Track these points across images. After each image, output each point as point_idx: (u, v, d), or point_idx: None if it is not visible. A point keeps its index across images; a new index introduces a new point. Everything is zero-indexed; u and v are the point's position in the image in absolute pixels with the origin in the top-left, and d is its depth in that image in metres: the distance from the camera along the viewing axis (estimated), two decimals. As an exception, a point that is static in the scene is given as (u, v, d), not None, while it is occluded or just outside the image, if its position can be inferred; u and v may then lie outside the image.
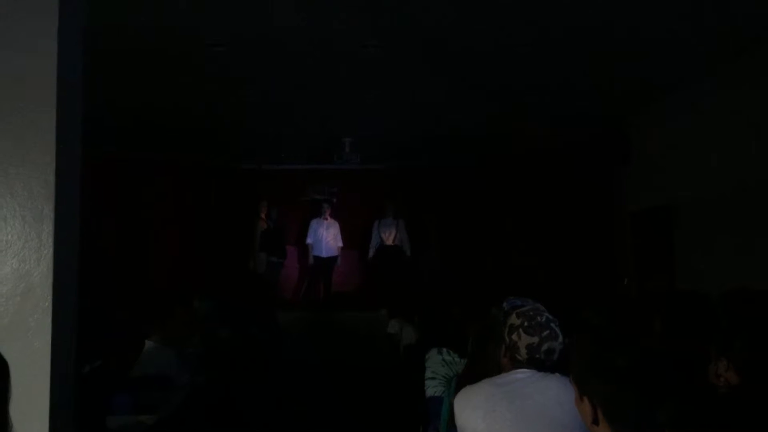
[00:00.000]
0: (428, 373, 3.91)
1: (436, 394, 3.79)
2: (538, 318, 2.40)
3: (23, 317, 2.43)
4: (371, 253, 10.77)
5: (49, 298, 2.43)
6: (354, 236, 10.97)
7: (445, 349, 3.95)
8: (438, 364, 3.89)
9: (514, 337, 2.38)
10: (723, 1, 4.82)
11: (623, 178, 8.78)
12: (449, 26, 5.30)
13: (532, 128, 8.71)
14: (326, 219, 10.67)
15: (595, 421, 1.60)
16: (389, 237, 10.60)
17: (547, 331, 2.37)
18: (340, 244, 10.81)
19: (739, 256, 6.06)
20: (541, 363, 2.35)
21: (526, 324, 2.38)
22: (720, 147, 6.44)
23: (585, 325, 3.90)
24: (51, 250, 2.45)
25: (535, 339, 2.35)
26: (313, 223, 10.69)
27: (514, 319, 2.43)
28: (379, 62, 6.03)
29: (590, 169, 9.43)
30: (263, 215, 10.52)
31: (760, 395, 2.09)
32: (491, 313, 2.77)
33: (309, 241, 10.67)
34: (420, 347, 4.88)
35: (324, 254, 10.63)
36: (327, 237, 10.62)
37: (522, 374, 2.36)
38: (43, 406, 2.39)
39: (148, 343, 4.76)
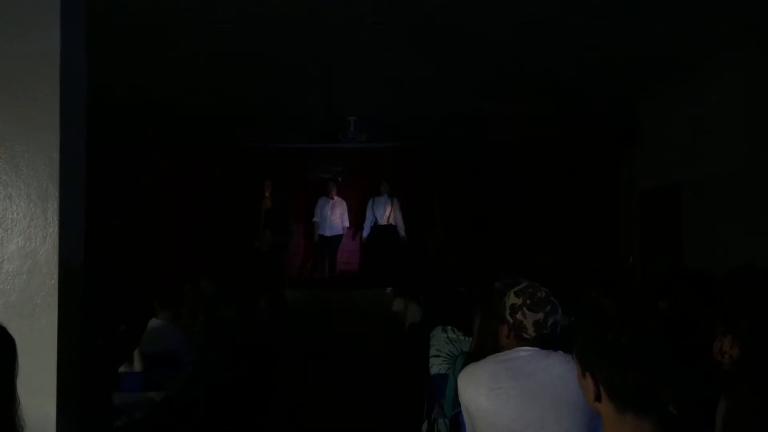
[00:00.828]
0: (432, 351, 3.93)
1: (440, 372, 3.81)
2: (539, 294, 2.41)
3: (30, 295, 2.45)
4: (366, 232, 10.78)
5: (55, 275, 2.45)
6: (360, 215, 10.97)
7: (449, 327, 3.96)
8: (442, 342, 3.91)
9: (519, 316, 2.39)
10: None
11: (633, 157, 8.75)
12: (455, 5, 5.25)
13: (540, 108, 8.66)
14: (332, 198, 10.68)
15: (598, 398, 1.60)
16: (384, 216, 10.61)
17: (549, 305, 2.39)
18: (347, 224, 10.83)
19: (746, 235, 6.05)
20: (547, 338, 2.37)
21: (528, 302, 2.39)
22: (729, 126, 6.40)
23: (589, 304, 3.92)
24: (56, 228, 2.47)
25: (540, 315, 2.37)
26: (320, 201, 10.71)
27: (514, 299, 2.43)
28: (384, 41, 5.99)
29: (599, 147, 9.40)
30: (268, 194, 10.52)
31: (762, 369, 2.10)
32: (495, 290, 2.77)
33: (315, 219, 10.69)
34: (425, 325, 4.90)
35: (328, 233, 10.65)
36: (332, 216, 10.63)
37: (525, 352, 2.37)
38: (50, 382, 2.42)
39: (154, 321, 4.80)
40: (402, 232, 10.64)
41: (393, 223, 10.62)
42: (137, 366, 4.12)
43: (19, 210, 2.47)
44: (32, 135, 2.49)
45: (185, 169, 10.84)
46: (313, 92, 7.98)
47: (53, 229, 2.46)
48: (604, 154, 9.44)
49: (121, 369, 3.97)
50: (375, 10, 5.35)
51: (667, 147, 7.72)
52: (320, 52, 6.36)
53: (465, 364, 2.67)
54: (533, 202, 10.39)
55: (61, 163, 2.49)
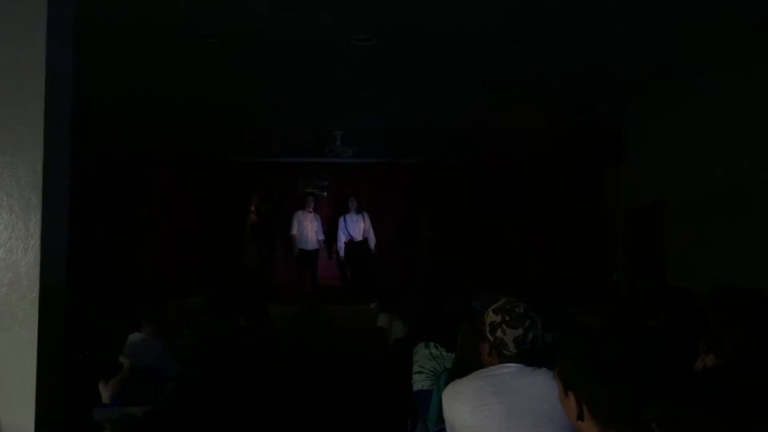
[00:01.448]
0: (415, 368, 3.91)
1: (423, 388, 3.79)
2: (517, 310, 2.40)
3: (10, 308, 2.42)
4: (341, 249, 10.80)
5: (36, 288, 2.42)
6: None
7: (432, 344, 3.95)
8: (425, 358, 3.89)
9: (499, 333, 2.38)
10: (717, 3, 4.83)
11: (617, 175, 8.81)
12: (443, 20, 5.29)
13: (526, 125, 8.71)
14: (310, 212, 10.65)
15: (580, 417, 1.59)
16: (359, 232, 10.64)
17: (528, 321, 2.38)
18: (321, 237, 10.83)
19: (730, 253, 6.09)
20: (529, 353, 2.36)
21: (507, 318, 2.38)
22: (713, 144, 6.46)
23: (572, 322, 3.92)
24: (38, 240, 2.44)
25: (520, 331, 2.36)
26: (298, 214, 10.67)
27: (492, 317, 2.42)
28: (371, 56, 6.02)
29: (584, 165, 9.45)
30: (253, 208, 10.50)
31: (739, 376, 2.11)
32: (473, 308, 2.77)
33: (293, 232, 10.66)
34: (409, 341, 4.88)
35: (308, 247, 10.63)
36: (309, 230, 10.61)
37: (509, 368, 2.36)
38: (29, 395, 2.38)
39: (136, 335, 4.75)
40: (372, 246, 10.69)
41: (366, 237, 10.65)
42: (105, 397, 3.98)
43: (0, 221, 2.45)
44: (16, 145, 2.46)
45: (171, 182, 10.80)
46: (299, 106, 7.99)
47: (35, 242, 2.44)
48: (588, 171, 9.50)
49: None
50: (363, 25, 5.38)
51: (652, 165, 7.78)
52: (307, 66, 6.37)
53: (448, 380, 2.66)
54: (519, 217, 10.44)
55: (44, 175, 2.46)
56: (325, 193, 11.25)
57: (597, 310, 4.10)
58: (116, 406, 3.92)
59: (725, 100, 6.29)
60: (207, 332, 6.09)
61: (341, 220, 10.78)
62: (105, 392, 4.02)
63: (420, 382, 3.84)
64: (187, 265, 10.19)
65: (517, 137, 9.39)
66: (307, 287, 10.57)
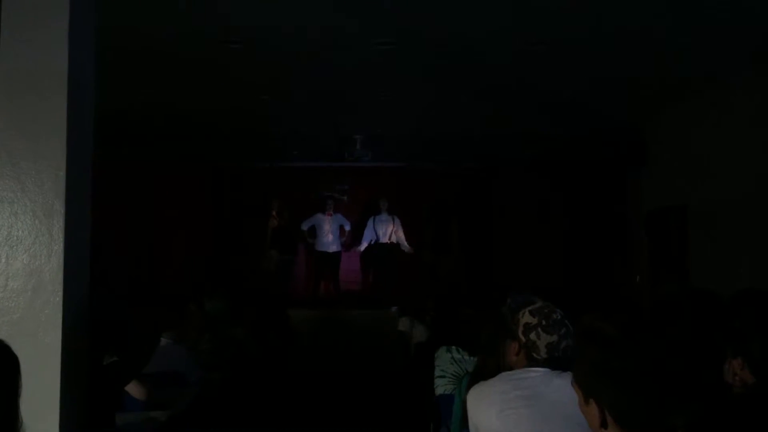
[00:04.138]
0: (437, 372, 3.90)
1: (446, 392, 3.77)
2: (554, 316, 2.38)
3: (34, 312, 2.44)
4: (363, 247, 10.72)
5: (60, 293, 2.44)
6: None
7: (454, 347, 3.93)
8: (447, 362, 3.88)
9: (533, 336, 2.36)
10: (741, 6, 4.77)
11: (640, 178, 8.73)
12: (463, 25, 5.26)
13: (546, 129, 8.66)
14: (329, 215, 10.64)
15: (604, 424, 1.56)
16: (387, 234, 10.57)
17: (564, 329, 2.36)
18: (348, 227, 10.81)
19: (753, 257, 6.01)
20: (557, 360, 2.34)
21: (544, 323, 2.36)
22: (737, 148, 6.38)
23: (593, 327, 3.87)
24: (62, 245, 2.46)
25: (555, 338, 2.34)
26: (317, 217, 10.64)
27: (529, 318, 2.40)
28: (391, 60, 6.01)
29: (606, 168, 9.39)
30: (274, 213, 10.53)
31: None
32: (502, 312, 2.75)
33: (304, 227, 10.63)
34: (431, 345, 4.86)
35: (326, 250, 10.60)
36: (329, 233, 10.58)
37: (536, 372, 2.34)
38: (53, 401, 2.40)
39: (161, 340, 4.77)
40: (407, 247, 10.56)
41: (395, 241, 10.59)
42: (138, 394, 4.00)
43: (24, 227, 2.47)
44: (39, 152, 2.49)
45: (193, 189, 10.87)
46: (319, 111, 8.01)
47: (58, 247, 2.46)
48: (611, 174, 9.43)
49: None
50: (383, 30, 5.37)
51: (674, 168, 7.70)
52: (328, 69, 6.38)
53: (470, 383, 2.64)
54: (541, 222, 10.37)
55: (67, 180, 2.49)
56: (346, 197, 11.25)
57: (614, 316, 4.05)
58: (139, 411, 3.94)
59: (749, 103, 6.21)
60: (227, 337, 6.11)
61: (370, 220, 10.69)
62: (139, 391, 4.02)
63: (442, 387, 3.82)
64: (209, 270, 10.25)
65: (538, 143, 9.34)
66: (328, 291, 10.56)
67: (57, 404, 2.39)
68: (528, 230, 10.39)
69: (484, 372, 2.66)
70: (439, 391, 3.84)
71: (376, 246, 10.60)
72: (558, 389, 2.26)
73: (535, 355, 2.36)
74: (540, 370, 2.34)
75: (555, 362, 2.34)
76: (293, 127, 8.85)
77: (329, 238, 10.57)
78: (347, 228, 10.76)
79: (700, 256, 7.10)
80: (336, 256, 10.66)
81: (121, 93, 6.76)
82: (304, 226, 10.64)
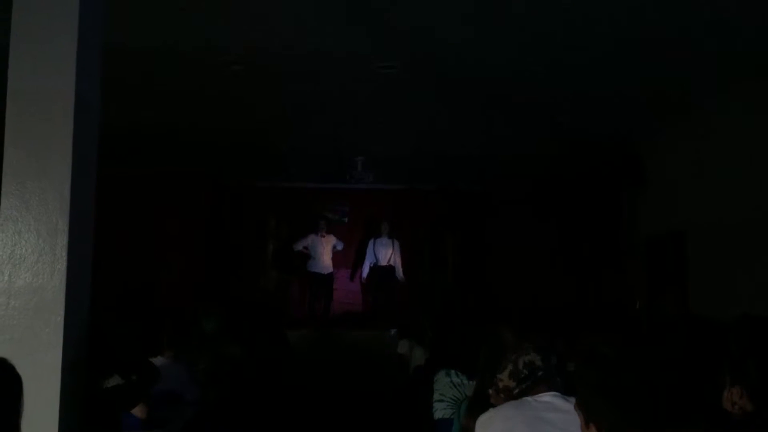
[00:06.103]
0: (436, 396, 3.88)
1: (444, 417, 3.75)
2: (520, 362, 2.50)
3: (35, 331, 2.44)
4: (365, 272, 10.69)
5: (62, 312, 2.45)
6: (364, 255, 10.92)
7: (453, 371, 3.91)
8: (446, 386, 3.86)
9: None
10: (739, 25, 4.82)
11: (638, 203, 8.74)
12: (462, 47, 5.32)
13: (544, 150, 8.70)
14: (323, 236, 10.61)
15: (603, 448, 1.57)
16: (386, 257, 10.55)
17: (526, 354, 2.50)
18: (340, 248, 10.72)
19: (754, 283, 6.00)
20: (540, 378, 2.42)
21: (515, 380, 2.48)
22: (736, 172, 6.38)
23: (592, 351, 3.87)
24: (65, 264, 2.47)
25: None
26: (311, 238, 10.59)
27: (507, 382, 2.52)
28: (392, 82, 6.06)
29: (604, 192, 9.40)
30: (274, 233, 10.53)
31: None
32: (501, 336, 2.76)
33: (298, 247, 10.58)
34: (430, 368, 4.85)
35: (323, 271, 10.54)
36: (323, 254, 10.52)
37: (545, 397, 2.36)
38: (52, 420, 2.40)
39: (156, 360, 4.75)
40: (400, 275, 10.54)
41: (392, 264, 10.57)
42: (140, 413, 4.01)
43: (28, 245, 2.48)
44: (44, 171, 2.51)
45: (194, 207, 10.85)
46: (321, 132, 8.04)
47: (61, 265, 2.47)
48: (608, 195, 9.45)
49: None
50: (384, 53, 5.42)
51: (673, 192, 7.71)
52: (330, 92, 6.43)
53: (469, 406, 2.65)
54: (539, 245, 10.36)
55: (71, 200, 2.51)
56: (346, 219, 11.25)
57: (611, 339, 4.04)
58: (138, 430, 3.92)
59: (749, 125, 6.22)
60: (223, 356, 6.08)
61: (371, 242, 10.66)
62: (141, 411, 4.01)
63: (441, 411, 3.80)
64: (207, 289, 10.21)
65: (537, 165, 9.38)
66: (321, 312, 10.49)
67: (56, 424, 2.39)
68: (526, 252, 10.37)
69: (482, 397, 2.67)
70: (437, 415, 3.82)
71: (376, 269, 10.59)
72: (566, 414, 2.27)
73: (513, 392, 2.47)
74: (548, 395, 2.36)
75: (530, 381, 2.46)
76: (294, 147, 8.89)
77: (324, 260, 10.52)
78: (339, 248, 10.67)
79: (699, 282, 7.09)
80: (329, 277, 10.60)
81: (124, 112, 6.79)
82: (297, 247, 10.61)
